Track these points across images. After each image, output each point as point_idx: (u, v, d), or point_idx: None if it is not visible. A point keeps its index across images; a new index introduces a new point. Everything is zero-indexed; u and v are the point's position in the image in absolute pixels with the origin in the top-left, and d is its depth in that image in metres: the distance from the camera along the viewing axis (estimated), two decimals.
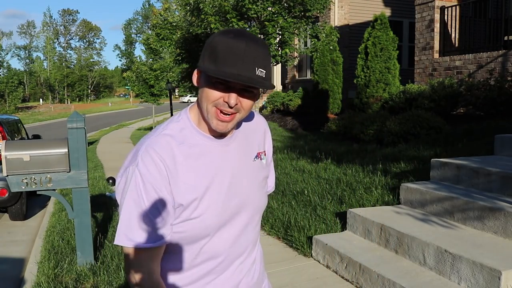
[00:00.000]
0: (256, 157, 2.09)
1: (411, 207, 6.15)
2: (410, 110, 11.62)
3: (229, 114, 1.81)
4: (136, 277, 1.82)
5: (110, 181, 11.82)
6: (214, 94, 1.78)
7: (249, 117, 2.12)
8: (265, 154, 2.16)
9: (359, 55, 14.89)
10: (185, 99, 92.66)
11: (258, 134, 2.15)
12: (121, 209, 1.81)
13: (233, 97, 1.76)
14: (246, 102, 1.82)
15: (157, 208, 1.78)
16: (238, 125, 2.03)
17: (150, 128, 39.38)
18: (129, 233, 1.78)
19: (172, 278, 1.93)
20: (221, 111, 1.80)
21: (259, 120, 2.19)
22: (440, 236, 4.90)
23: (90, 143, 28.01)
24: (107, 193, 10.90)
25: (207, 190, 1.86)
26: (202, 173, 1.87)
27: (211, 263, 1.94)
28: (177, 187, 1.81)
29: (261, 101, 24.51)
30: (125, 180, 1.82)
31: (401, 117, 11.10)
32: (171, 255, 1.90)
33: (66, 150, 5.86)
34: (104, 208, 9.54)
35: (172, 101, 31.40)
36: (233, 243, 1.98)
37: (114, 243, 1.82)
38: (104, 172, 15.10)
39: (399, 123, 10.87)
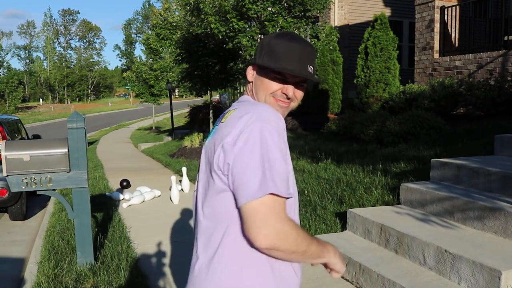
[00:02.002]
0: None
1: (411, 207, 6.15)
2: (410, 110, 11.61)
3: (286, 102, 2.07)
4: (286, 226, 1.73)
5: (124, 183, 11.67)
6: (274, 86, 2.04)
7: None
8: None
9: (359, 55, 14.89)
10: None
11: None
12: (258, 161, 1.74)
13: (290, 89, 2.04)
14: (299, 93, 2.10)
15: (289, 164, 1.94)
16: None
17: (150, 128, 39.46)
18: (278, 183, 1.74)
19: None
20: (278, 100, 2.06)
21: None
22: (440, 236, 4.90)
23: (90, 143, 28.03)
24: (107, 193, 10.90)
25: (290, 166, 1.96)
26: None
27: None
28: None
29: None
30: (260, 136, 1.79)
31: (401, 117, 11.10)
32: None
33: (66, 150, 5.86)
34: (104, 208, 9.54)
35: (172, 101, 31.35)
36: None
37: (258, 195, 1.71)
38: (104, 172, 15.09)
39: (399, 123, 10.87)
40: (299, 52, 2.01)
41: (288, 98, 2.06)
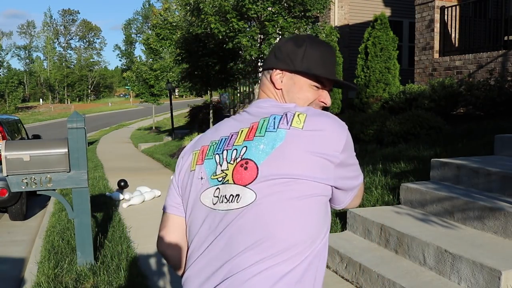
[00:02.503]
0: None
1: (411, 207, 6.15)
2: (410, 110, 11.61)
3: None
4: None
5: (122, 183, 11.69)
6: (311, 95, 1.96)
7: None
8: None
9: (359, 55, 14.90)
10: None
11: None
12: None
13: (329, 96, 2.01)
14: (329, 99, 2.02)
15: None
16: None
17: (150, 128, 39.47)
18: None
19: None
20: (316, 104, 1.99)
21: None
22: (440, 236, 4.90)
23: (90, 143, 28.06)
24: (107, 193, 10.91)
25: None
26: None
27: None
28: None
29: None
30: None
31: (401, 117, 11.10)
32: None
33: (66, 150, 5.86)
34: (104, 208, 9.55)
35: (172, 101, 31.36)
36: None
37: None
38: (104, 172, 15.11)
39: (399, 123, 10.87)
40: (332, 57, 1.99)
41: (324, 107, 2.01)
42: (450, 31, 13.85)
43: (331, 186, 1.78)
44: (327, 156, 1.72)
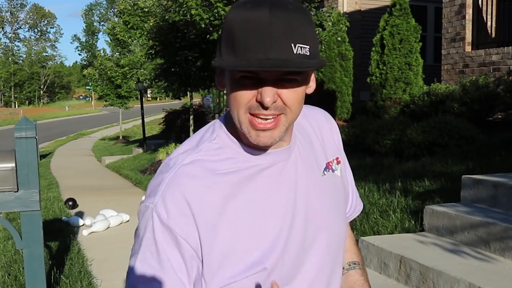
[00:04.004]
0: (326, 169, 1.88)
1: (437, 235, 6.16)
2: (436, 116, 11.64)
3: (270, 118, 1.58)
4: None
5: (70, 203, 11.70)
6: (244, 96, 1.56)
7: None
8: (337, 162, 1.94)
9: (373, 48, 14.94)
10: None
11: (322, 134, 1.94)
12: None
13: (267, 93, 1.53)
14: (289, 95, 1.57)
15: None
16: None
17: (117, 138, 39.45)
18: None
19: None
20: (257, 117, 1.57)
21: (318, 114, 2.00)
22: (473, 271, 4.91)
23: (43, 156, 28.01)
24: (63, 217, 10.88)
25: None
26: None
27: None
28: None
29: None
30: None
31: (425, 124, 11.12)
32: None
33: (13, 164, 5.85)
34: (60, 236, 9.52)
35: (144, 105, 31.36)
36: None
37: None
38: (60, 191, 15.07)
39: (422, 131, 10.89)
40: (268, 25, 1.48)
41: (266, 107, 1.54)
42: (485, 19, 13.90)
43: None
44: None
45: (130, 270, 1.62)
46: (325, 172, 1.84)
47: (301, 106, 1.65)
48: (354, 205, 2.11)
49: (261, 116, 1.56)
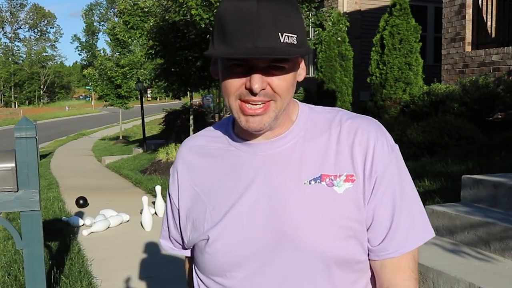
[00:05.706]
0: (316, 179, 1.77)
1: (437, 235, 6.15)
2: (436, 116, 11.64)
3: (259, 104, 1.68)
4: None
5: (81, 201, 11.61)
6: (234, 83, 1.67)
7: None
8: (352, 181, 1.78)
9: (373, 48, 14.95)
10: None
11: (343, 146, 1.83)
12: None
13: (255, 80, 1.62)
14: (278, 83, 1.66)
15: None
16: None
17: (117, 138, 39.43)
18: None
19: None
20: (247, 102, 1.68)
21: (366, 131, 1.92)
22: (473, 271, 4.90)
23: (43, 156, 27.99)
24: (63, 217, 10.87)
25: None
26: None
27: None
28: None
29: None
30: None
31: (425, 124, 11.12)
32: None
33: (13, 164, 5.85)
34: (60, 236, 9.52)
35: (144, 105, 31.34)
36: None
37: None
38: (60, 191, 15.06)
39: (422, 131, 10.89)
40: (256, 15, 1.56)
41: (255, 94, 1.63)
42: (485, 19, 13.89)
43: None
44: None
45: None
46: (311, 182, 1.75)
47: (291, 93, 1.76)
48: (390, 237, 1.95)
49: (250, 102, 1.67)
